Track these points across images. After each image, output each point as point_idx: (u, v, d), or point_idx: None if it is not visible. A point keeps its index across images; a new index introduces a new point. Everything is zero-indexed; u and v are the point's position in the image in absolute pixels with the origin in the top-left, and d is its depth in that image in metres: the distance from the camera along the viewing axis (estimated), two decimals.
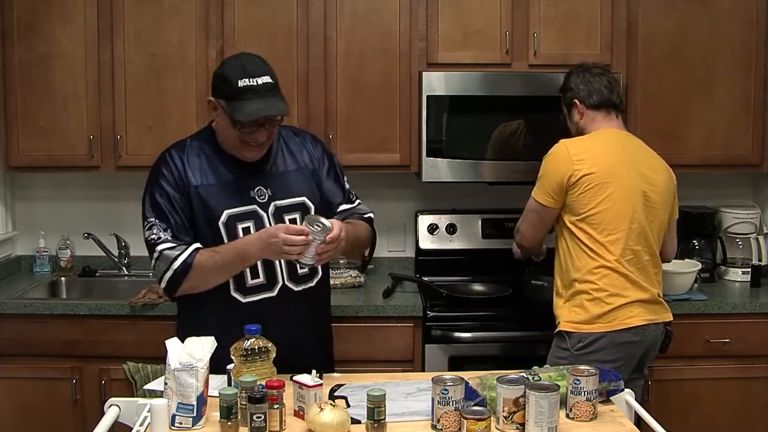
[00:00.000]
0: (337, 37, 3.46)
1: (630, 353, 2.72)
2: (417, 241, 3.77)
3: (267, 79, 2.34)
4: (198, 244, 2.39)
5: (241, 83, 2.32)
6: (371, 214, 2.69)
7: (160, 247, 2.36)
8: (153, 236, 2.38)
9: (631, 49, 3.48)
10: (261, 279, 2.44)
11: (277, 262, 2.43)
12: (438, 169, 3.41)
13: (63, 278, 3.77)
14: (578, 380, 2.03)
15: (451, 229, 3.74)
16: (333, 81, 3.47)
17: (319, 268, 2.52)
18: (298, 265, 2.45)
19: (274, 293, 2.45)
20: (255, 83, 2.32)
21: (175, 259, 2.35)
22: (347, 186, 2.65)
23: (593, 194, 2.71)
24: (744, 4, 3.51)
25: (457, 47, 3.47)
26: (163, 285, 2.40)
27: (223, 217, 2.41)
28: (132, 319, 3.23)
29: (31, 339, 3.27)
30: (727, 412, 3.32)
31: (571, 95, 2.92)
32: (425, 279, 3.56)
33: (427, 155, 3.40)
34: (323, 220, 2.26)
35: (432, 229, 3.74)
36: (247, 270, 2.42)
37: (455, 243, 3.75)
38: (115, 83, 3.46)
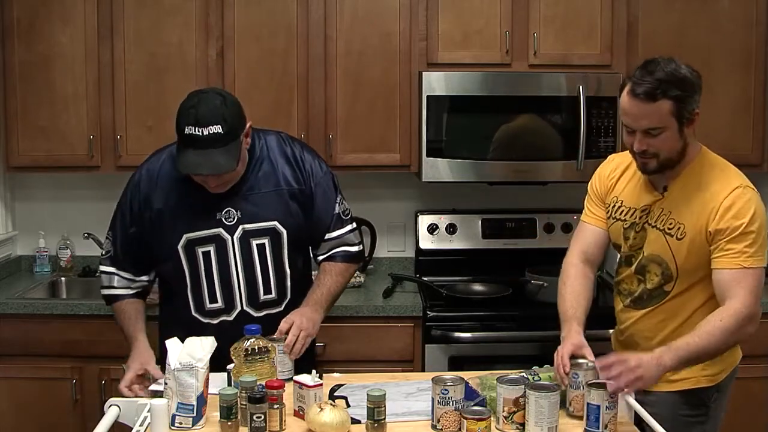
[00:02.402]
0: (337, 37, 3.46)
1: None
2: (417, 241, 3.77)
3: (215, 128, 2.21)
4: (120, 292, 2.48)
5: (187, 130, 2.22)
6: (358, 248, 2.58)
7: (102, 267, 2.53)
8: (104, 251, 2.54)
9: (631, 49, 3.48)
10: (219, 303, 2.43)
11: (236, 288, 2.42)
12: (438, 169, 3.41)
13: (63, 278, 3.77)
14: (576, 374, 2.03)
15: (451, 229, 3.75)
16: (333, 81, 3.47)
17: (288, 291, 2.48)
18: (260, 292, 2.44)
19: (232, 318, 2.43)
20: (200, 133, 2.21)
21: (104, 288, 2.52)
22: (337, 209, 2.52)
23: None
24: (744, 4, 3.51)
25: (457, 47, 3.47)
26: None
27: (182, 241, 2.39)
28: None
29: (31, 339, 3.27)
30: (727, 412, 3.32)
31: (695, 103, 2.18)
32: (425, 279, 3.57)
33: (427, 155, 3.40)
34: (274, 337, 2.25)
35: (432, 229, 3.74)
36: (206, 294, 2.42)
37: (455, 243, 3.75)
38: (115, 83, 3.47)
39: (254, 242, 2.42)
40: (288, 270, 2.48)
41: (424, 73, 3.39)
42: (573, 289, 2.39)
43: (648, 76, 2.13)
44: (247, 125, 2.35)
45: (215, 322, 2.43)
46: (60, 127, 3.49)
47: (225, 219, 2.40)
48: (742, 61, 3.52)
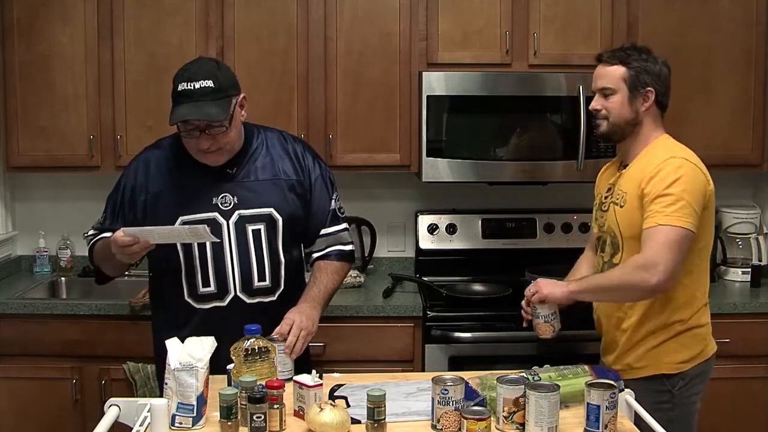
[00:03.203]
0: (337, 37, 3.46)
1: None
2: (417, 241, 3.77)
3: (206, 83, 2.29)
4: (103, 235, 2.48)
5: (180, 87, 2.29)
6: (351, 246, 2.60)
7: (89, 232, 2.60)
8: (95, 224, 2.60)
9: None
10: (212, 288, 2.43)
11: (229, 273, 2.42)
12: (438, 169, 3.41)
13: (63, 278, 3.77)
14: (536, 307, 2.42)
15: (451, 229, 3.74)
16: (333, 81, 3.47)
17: (282, 281, 2.48)
18: (254, 278, 2.44)
19: (225, 303, 2.43)
20: (192, 87, 2.28)
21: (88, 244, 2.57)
22: (333, 205, 2.56)
23: (711, 216, 2.39)
24: (744, 4, 3.51)
25: (457, 47, 3.47)
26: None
27: (177, 224, 2.39)
28: (132, 319, 3.23)
29: (31, 339, 3.27)
30: (726, 412, 3.32)
31: (650, 81, 2.42)
32: (425, 279, 3.56)
33: (427, 155, 3.40)
34: (273, 337, 2.25)
35: (432, 229, 3.74)
36: (199, 277, 2.42)
37: (455, 243, 3.75)
38: (115, 83, 3.47)
39: (250, 228, 2.43)
40: (283, 258, 2.48)
41: (424, 73, 3.39)
42: (578, 262, 2.71)
43: (617, 49, 2.49)
44: (241, 95, 2.40)
45: (207, 307, 2.43)
46: (60, 127, 3.49)
47: (221, 204, 2.41)
48: (742, 61, 3.52)
